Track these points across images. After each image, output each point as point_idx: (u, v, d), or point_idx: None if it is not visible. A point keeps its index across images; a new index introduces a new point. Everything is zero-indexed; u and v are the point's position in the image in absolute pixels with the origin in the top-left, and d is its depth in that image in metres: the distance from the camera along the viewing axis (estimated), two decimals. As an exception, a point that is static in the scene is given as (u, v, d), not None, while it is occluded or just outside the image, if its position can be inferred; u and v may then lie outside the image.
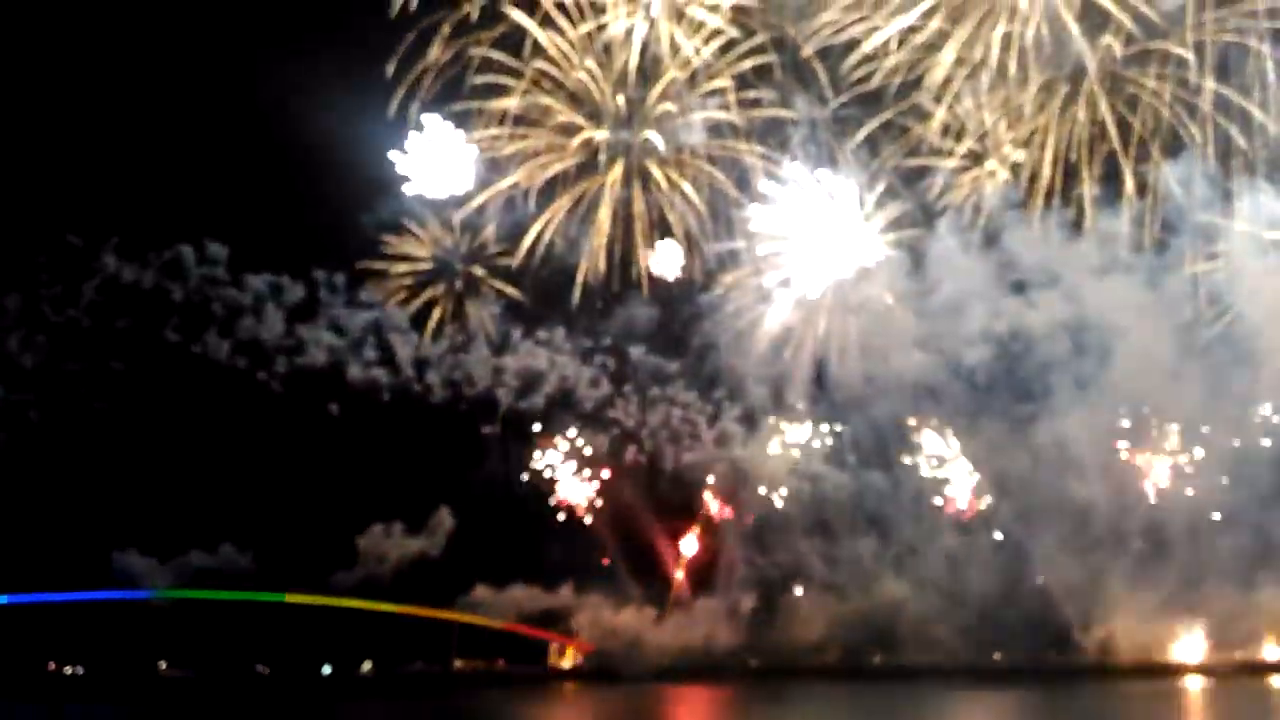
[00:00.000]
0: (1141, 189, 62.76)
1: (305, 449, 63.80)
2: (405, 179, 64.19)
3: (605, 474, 67.84)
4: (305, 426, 64.59)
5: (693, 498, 68.10)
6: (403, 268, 66.34)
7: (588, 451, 67.63)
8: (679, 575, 67.98)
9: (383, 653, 67.56)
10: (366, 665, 68.03)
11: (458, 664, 67.83)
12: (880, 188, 64.07)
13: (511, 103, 63.26)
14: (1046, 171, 63.80)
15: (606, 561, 67.01)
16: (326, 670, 67.15)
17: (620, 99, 64.26)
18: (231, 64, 60.81)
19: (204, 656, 65.30)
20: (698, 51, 63.05)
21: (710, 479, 67.70)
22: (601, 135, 64.65)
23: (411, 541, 66.43)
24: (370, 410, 66.04)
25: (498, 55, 63.20)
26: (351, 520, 65.75)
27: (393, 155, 63.53)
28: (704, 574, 68.18)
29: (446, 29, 62.25)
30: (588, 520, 67.87)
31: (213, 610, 64.18)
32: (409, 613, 65.91)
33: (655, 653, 66.51)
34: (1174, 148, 62.14)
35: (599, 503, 67.90)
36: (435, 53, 62.51)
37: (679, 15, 63.01)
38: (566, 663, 68.59)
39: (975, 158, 64.27)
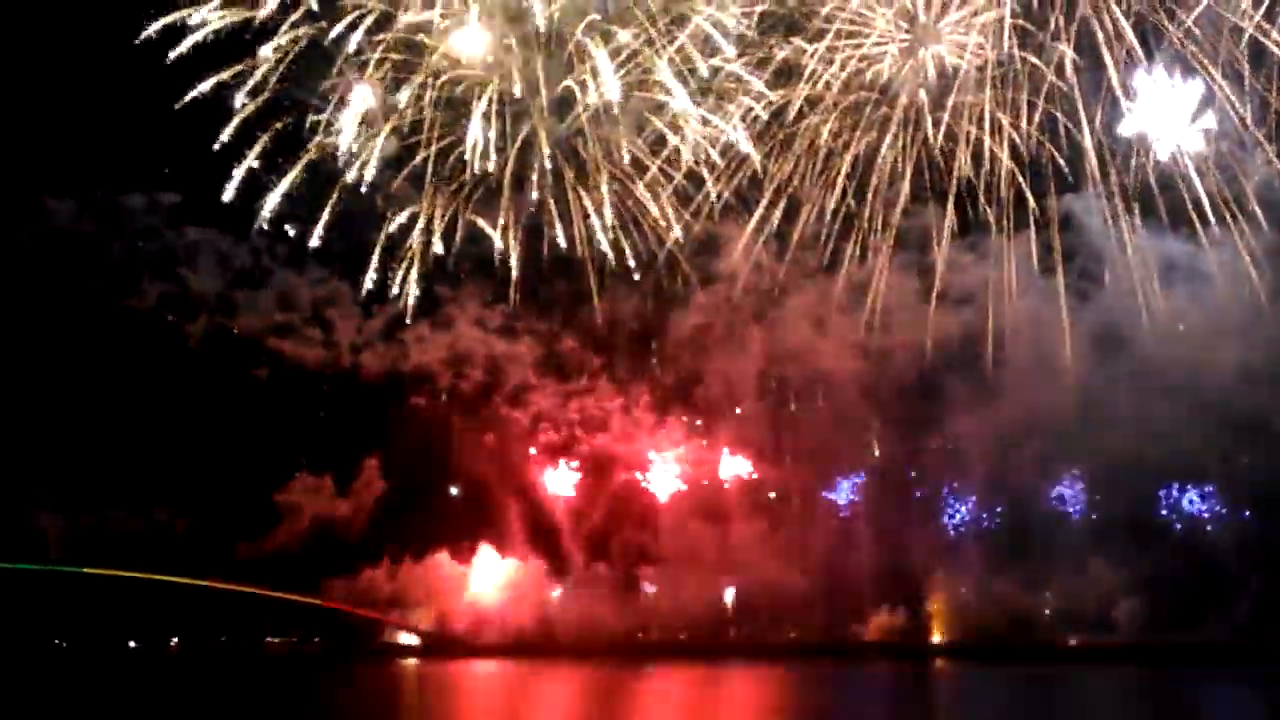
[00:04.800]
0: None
1: (231, 411, 63.15)
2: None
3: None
4: (232, 389, 63.80)
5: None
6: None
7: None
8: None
9: (191, 628, 65.22)
10: (174, 640, 65.80)
11: (275, 641, 66.28)
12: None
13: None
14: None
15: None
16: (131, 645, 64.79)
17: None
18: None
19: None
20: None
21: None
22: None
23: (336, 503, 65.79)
24: (298, 379, 65.45)
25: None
26: (272, 477, 65.21)
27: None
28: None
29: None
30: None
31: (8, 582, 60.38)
32: (219, 587, 63.37)
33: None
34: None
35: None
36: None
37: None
38: (403, 639, 67.36)
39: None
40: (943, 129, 63.41)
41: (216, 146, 57.58)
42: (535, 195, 61.39)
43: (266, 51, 55.68)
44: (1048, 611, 66.76)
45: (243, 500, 64.42)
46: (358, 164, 59.02)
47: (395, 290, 62.16)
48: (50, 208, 63.86)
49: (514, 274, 61.80)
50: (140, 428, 62.19)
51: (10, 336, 61.64)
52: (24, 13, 58.36)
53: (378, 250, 62.18)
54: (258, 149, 58.36)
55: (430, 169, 60.23)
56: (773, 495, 70.29)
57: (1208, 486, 68.01)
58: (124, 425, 61.88)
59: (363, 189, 59.79)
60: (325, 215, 60.43)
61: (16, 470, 60.86)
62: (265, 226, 60.62)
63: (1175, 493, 68.47)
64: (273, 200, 59.94)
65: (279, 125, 58.49)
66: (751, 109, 61.44)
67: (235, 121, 57.10)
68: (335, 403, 66.16)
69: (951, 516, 70.56)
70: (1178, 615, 62.88)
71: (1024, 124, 63.08)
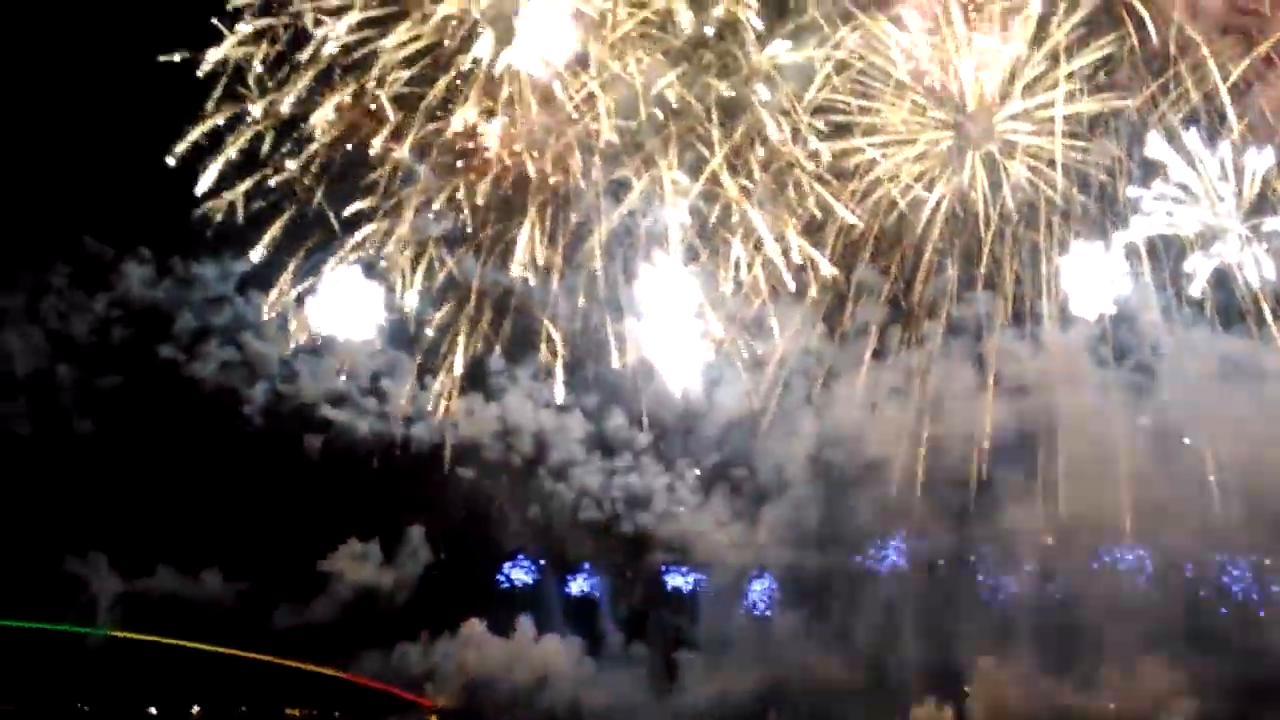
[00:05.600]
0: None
1: (283, 479, 64.72)
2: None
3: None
4: (286, 457, 65.43)
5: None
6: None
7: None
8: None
9: (213, 696, 64.99)
10: (195, 709, 65.34)
11: (294, 713, 65.97)
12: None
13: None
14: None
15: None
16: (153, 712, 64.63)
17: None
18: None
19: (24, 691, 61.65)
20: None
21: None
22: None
23: (381, 574, 67.22)
24: (351, 448, 66.74)
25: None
26: (317, 545, 66.46)
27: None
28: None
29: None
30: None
31: (36, 642, 61.37)
32: (242, 656, 63.88)
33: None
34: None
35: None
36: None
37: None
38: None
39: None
40: (993, 228, 63.67)
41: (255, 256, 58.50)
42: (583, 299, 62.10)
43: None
44: (1099, 712, 65.28)
45: (286, 566, 65.84)
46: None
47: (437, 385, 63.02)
48: (125, 272, 66.76)
49: (559, 362, 62.33)
50: (195, 491, 64.04)
51: (73, 396, 64.81)
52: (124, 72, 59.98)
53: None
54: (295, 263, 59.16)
55: (482, 258, 61.41)
56: (816, 582, 69.67)
57: (1272, 586, 66.48)
58: (179, 489, 63.83)
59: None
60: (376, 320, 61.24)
61: (66, 529, 63.15)
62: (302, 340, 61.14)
63: (1235, 592, 67.10)
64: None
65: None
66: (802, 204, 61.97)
67: (273, 231, 58.30)
68: (384, 472, 66.90)
69: (999, 608, 69.62)
70: (1237, 720, 61.30)
71: (1072, 223, 63.24)
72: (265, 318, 59.94)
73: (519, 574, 69.98)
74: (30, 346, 65.05)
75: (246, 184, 56.41)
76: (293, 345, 60.92)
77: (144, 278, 66.96)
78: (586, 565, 69.98)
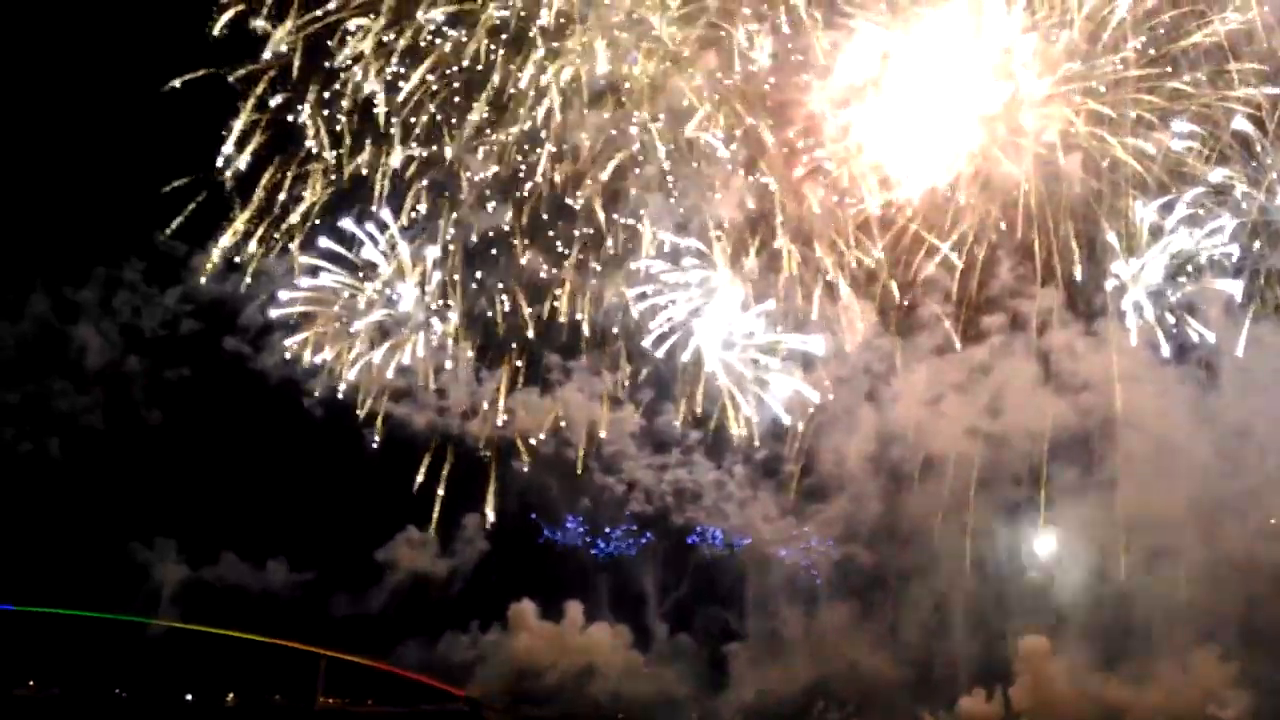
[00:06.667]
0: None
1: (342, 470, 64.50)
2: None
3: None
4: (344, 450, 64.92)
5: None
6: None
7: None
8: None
9: (247, 684, 65.83)
10: (230, 696, 66.06)
11: (328, 701, 66.17)
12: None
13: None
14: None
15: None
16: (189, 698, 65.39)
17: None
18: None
19: (67, 677, 63.41)
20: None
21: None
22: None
23: (435, 564, 66.87)
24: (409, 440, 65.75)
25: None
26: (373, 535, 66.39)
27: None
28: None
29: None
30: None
31: (76, 629, 62.45)
32: (277, 643, 64.22)
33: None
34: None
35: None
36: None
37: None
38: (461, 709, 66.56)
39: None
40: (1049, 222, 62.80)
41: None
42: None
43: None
44: (1150, 706, 64.58)
45: (344, 556, 66.49)
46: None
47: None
48: (194, 266, 68.39)
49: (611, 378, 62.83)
50: (259, 481, 65.23)
51: (143, 387, 66.20)
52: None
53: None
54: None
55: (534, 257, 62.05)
56: (868, 577, 69.43)
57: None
58: (244, 479, 65.05)
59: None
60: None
61: (134, 518, 64.78)
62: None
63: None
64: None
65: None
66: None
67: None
68: (440, 464, 66.72)
69: (1050, 603, 68.83)
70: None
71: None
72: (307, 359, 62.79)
73: (569, 565, 70.13)
74: (104, 340, 66.61)
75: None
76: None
77: (212, 272, 68.13)
78: (633, 556, 70.07)
